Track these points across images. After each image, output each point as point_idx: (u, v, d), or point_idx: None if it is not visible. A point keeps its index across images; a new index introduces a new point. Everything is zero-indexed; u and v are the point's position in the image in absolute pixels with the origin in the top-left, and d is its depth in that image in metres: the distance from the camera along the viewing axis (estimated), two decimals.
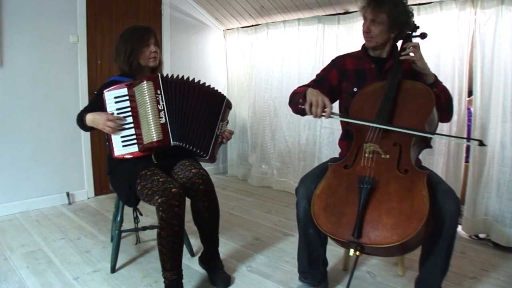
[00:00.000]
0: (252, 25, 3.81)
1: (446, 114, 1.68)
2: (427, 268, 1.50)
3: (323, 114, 1.52)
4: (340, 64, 1.81)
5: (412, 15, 1.70)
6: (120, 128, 1.75)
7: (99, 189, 3.31)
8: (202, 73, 3.98)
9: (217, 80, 4.11)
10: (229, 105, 1.97)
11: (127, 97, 1.77)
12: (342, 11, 3.10)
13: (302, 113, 1.64)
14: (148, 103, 1.74)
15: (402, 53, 1.62)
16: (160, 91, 1.76)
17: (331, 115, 1.52)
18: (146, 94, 1.74)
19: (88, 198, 3.24)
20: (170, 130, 1.75)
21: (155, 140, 1.72)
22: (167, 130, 1.75)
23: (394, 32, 1.70)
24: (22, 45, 2.77)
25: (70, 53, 3.02)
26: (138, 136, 1.76)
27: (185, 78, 1.85)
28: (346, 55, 1.84)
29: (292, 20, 3.43)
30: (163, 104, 1.76)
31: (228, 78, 4.15)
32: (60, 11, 2.93)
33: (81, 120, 1.81)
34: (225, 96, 1.95)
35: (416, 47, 1.60)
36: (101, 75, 3.21)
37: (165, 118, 1.75)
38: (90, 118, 1.77)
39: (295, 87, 3.73)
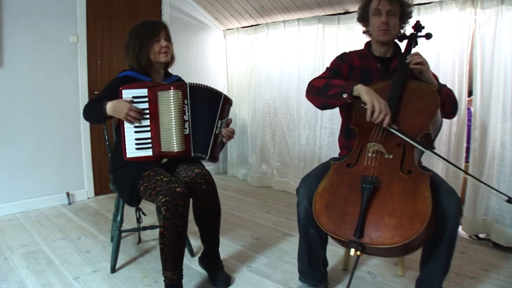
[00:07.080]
0: (252, 25, 3.81)
1: (450, 115, 1.71)
2: (428, 268, 1.49)
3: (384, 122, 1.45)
4: (348, 59, 1.80)
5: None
6: (138, 124, 1.68)
7: (99, 189, 3.31)
8: (202, 73, 3.98)
9: (217, 80, 4.11)
10: (228, 101, 1.87)
11: (146, 99, 1.69)
12: (342, 11, 3.10)
13: (332, 106, 1.60)
14: (173, 112, 1.69)
15: (412, 66, 1.57)
16: (187, 102, 1.72)
17: (389, 127, 1.45)
18: (172, 102, 1.69)
19: (88, 198, 3.24)
20: (192, 141, 1.73)
21: (176, 150, 1.69)
22: (189, 142, 1.73)
23: (402, 25, 1.72)
24: (22, 45, 2.77)
25: (70, 53, 3.02)
26: (154, 140, 1.71)
27: (207, 86, 1.79)
28: (352, 52, 1.83)
29: (292, 20, 3.43)
30: (188, 115, 1.72)
31: (228, 78, 4.15)
32: (60, 11, 2.93)
33: (98, 109, 1.68)
34: (222, 93, 1.84)
35: (423, 62, 1.56)
36: (101, 75, 3.20)
37: (189, 130, 1.72)
38: (111, 105, 1.65)
39: (295, 87, 3.70)
